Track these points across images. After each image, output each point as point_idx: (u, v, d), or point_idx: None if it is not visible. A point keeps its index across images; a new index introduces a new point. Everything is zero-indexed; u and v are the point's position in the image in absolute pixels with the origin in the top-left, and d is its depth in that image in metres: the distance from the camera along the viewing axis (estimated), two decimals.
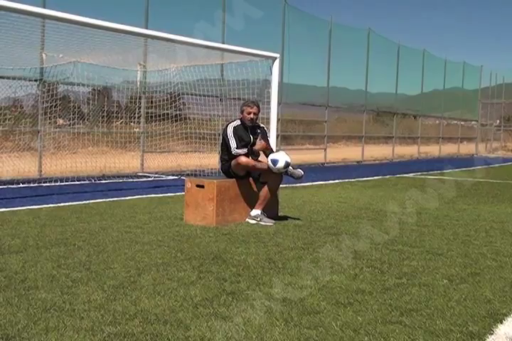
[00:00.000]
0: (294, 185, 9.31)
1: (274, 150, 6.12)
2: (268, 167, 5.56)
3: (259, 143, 5.64)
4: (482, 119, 30.01)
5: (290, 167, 5.68)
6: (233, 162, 5.62)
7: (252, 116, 5.70)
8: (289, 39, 15.32)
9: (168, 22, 13.38)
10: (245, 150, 5.63)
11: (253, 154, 5.64)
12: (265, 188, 5.71)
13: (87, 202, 7.08)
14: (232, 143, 5.61)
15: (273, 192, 5.80)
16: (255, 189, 5.85)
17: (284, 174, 5.75)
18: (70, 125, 10.95)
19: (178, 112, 12.23)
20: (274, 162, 5.54)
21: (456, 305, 3.08)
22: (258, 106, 5.78)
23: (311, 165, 16.40)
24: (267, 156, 5.74)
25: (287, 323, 2.72)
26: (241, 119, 5.81)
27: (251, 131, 5.81)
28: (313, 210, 6.69)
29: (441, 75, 24.90)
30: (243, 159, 5.53)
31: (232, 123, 5.78)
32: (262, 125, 6.02)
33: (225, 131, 5.74)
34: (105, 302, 2.96)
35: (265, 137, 5.92)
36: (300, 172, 5.82)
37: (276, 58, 8.44)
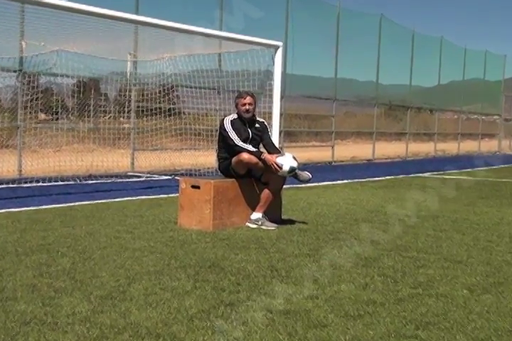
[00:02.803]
0: (299, 185, 9.28)
1: (278, 146, 6.13)
2: (275, 167, 5.53)
3: (268, 158, 5.54)
4: (505, 114, 29.97)
5: (296, 170, 5.66)
6: (234, 159, 5.62)
7: (247, 107, 5.70)
8: (293, 26, 15.34)
9: (161, 8, 13.38)
10: (252, 148, 5.59)
11: (260, 159, 5.58)
12: (267, 189, 5.71)
13: (72, 204, 7.07)
14: (233, 136, 5.61)
15: (276, 193, 5.80)
16: (256, 190, 5.84)
17: (289, 176, 5.76)
18: (52, 120, 10.95)
19: (171, 106, 12.24)
20: (279, 166, 5.53)
21: (477, 317, 3.07)
22: (252, 96, 5.78)
23: (318, 164, 16.39)
24: (269, 153, 5.73)
25: (291, 337, 2.71)
26: (237, 113, 5.82)
27: (249, 126, 5.80)
28: (320, 213, 6.69)
29: (460, 65, 24.89)
30: (245, 155, 5.52)
31: (228, 117, 5.79)
32: (261, 119, 6.01)
33: (221, 125, 5.74)
34: (91, 315, 2.95)
35: (266, 133, 5.91)
36: (307, 175, 5.82)
37: (278, 47, 8.44)
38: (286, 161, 5.57)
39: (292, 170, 5.59)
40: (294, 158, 5.67)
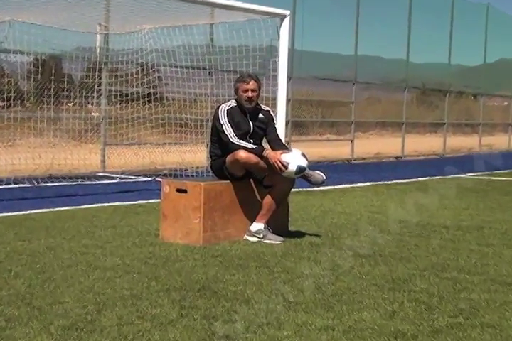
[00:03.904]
0: (310, 189, 9.30)
1: (284, 140, 6.13)
2: (279, 166, 5.51)
3: (271, 155, 5.54)
4: None
5: (307, 170, 5.65)
6: (229, 158, 5.61)
7: (249, 94, 5.69)
8: None
9: None
10: (251, 145, 5.59)
11: (261, 157, 5.58)
12: (271, 194, 5.70)
13: (28, 212, 7.06)
14: (228, 131, 5.61)
15: (281, 199, 5.80)
16: (257, 194, 5.84)
17: (298, 178, 5.76)
18: (3, 108, 10.94)
19: (152, 90, 12.22)
20: (284, 165, 5.51)
21: None
22: (257, 81, 5.76)
23: (333, 163, 16.38)
24: (273, 150, 5.73)
25: None
26: (237, 100, 5.82)
27: (251, 116, 5.81)
28: (336, 224, 6.68)
29: (511, 39, 24.87)
30: (242, 154, 5.52)
31: (224, 105, 5.78)
32: (266, 108, 6.02)
33: (216, 115, 5.74)
34: None
35: (271, 126, 5.91)
36: (320, 176, 5.81)
37: (285, 16, 8.44)
38: (293, 159, 5.56)
39: (301, 170, 5.58)
40: (303, 155, 5.66)
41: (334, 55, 18.76)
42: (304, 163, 5.60)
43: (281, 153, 5.57)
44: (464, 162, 17.60)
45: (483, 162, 15.93)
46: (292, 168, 5.54)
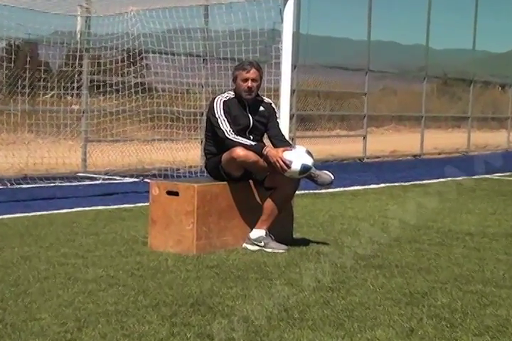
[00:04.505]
0: (317, 191, 9.28)
1: (287, 136, 6.12)
2: (280, 165, 5.50)
3: (272, 153, 5.52)
4: None
5: (313, 169, 5.65)
6: (225, 156, 5.62)
7: (249, 84, 5.69)
8: None
9: None
10: (249, 141, 5.58)
11: (261, 155, 5.58)
12: (273, 197, 5.70)
13: (0, 217, 7.06)
14: (224, 126, 5.60)
15: (284, 202, 5.80)
16: (258, 197, 5.85)
17: (303, 179, 5.76)
18: None
19: (139, 80, 12.21)
20: (286, 164, 5.50)
21: None
22: (258, 69, 5.76)
23: (344, 161, 16.37)
24: (275, 147, 5.73)
25: None
26: (235, 91, 5.82)
27: (250, 109, 5.81)
28: (347, 230, 6.68)
29: None
30: (239, 151, 5.51)
31: (220, 97, 5.78)
32: (267, 100, 6.02)
33: (210, 107, 5.75)
34: None
35: (273, 120, 5.92)
36: (328, 176, 5.80)
37: None
38: (297, 157, 5.54)
39: (305, 169, 5.57)
40: (309, 152, 5.66)
41: (344, 40, 18.82)
42: (309, 161, 5.59)
43: (284, 151, 5.56)
44: (491, 160, 17.57)
45: None
46: (296, 167, 5.53)
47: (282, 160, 5.48)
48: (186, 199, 5.51)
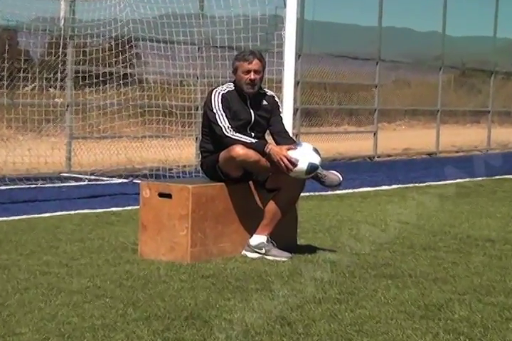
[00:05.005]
0: (324, 193, 9.30)
1: (291, 133, 6.13)
2: (285, 164, 5.51)
3: (275, 150, 5.52)
4: None
5: (319, 169, 5.65)
6: (223, 154, 5.62)
7: (252, 76, 5.69)
8: None
9: None
10: (250, 138, 5.59)
11: (263, 153, 5.59)
12: (275, 199, 5.71)
13: None
14: (222, 122, 5.61)
15: (288, 205, 5.80)
16: (259, 200, 5.85)
17: (309, 179, 5.77)
18: None
19: (128, 70, 12.22)
20: (292, 162, 5.50)
21: None
22: (261, 59, 5.77)
23: (352, 160, 16.36)
24: (278, 145, 5.73)
25: None
26: (235, 83, 5.82)
27: (252, 103, 5.81)
28: (356, 236, 6.68)
29: None
30: (239, 150, 5.51)
31: (218, 89, 5.78)
32: (270, 92, 6.02)
33: (208, 101, 5.74)
34: None
35: (276, 115, 5.92)
36: (336, 177, 5.80)
37: None
38: (304, 155, 5.55)
39: (312, 168, 5.57)
40: (316, 150, 5.67)
41: (353, 26, 18.83)
42: (316, 160, 5.59)
43: (289, 149, 5.57)
44: None
45: None
46: (302, 166, 5.52)
47: (287, 159, 5.48)
48: (180, 201, 5.51)
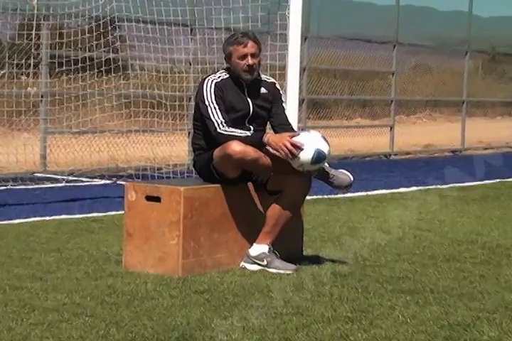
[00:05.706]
0: (333, 196, 9.30)
1: (295, 126, 6.14)
2: (289, 149, 5.47)
3: (273, 139, 5.52)
4: None
5: (327, 164, 5.64)
6: (217, 151, 5.63)
7: (250, 61, 5.70)
8: None
9: None
10: (245, 132, 5.61)
11: (261, 145, 5.58)
12: (278, 203, 5.71)
13: None
14: (215, 116, 5.61)
15: (293, 210, 5.79)
16: (259, 204, 5.86)
17: (314, 176, 5.76)
18: None
19: (111, 55, 12.21)
20: (296, 147, 5.46)
21: None
22: (256, 40, 5.78)
23: (366, 158, 16.38)
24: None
25: None
26: (230, 70, 5.83)
27: (250, 92, 5.82)
28: (369, 245, 6.68)
29: None
30: (236, 146, 5.51)
31: (212, 77, 5.79)
32: (270, 79, 6.04)
33: (200, 91, 5.76)
34: None
35: (278, 105, 5.93)
36: (347, 177, 5.80)
37: None
38: (310, 142, 5.51)
39: (320, 157, 5.51)
40: (324, 138, 5.65)
41: (367, 5, 18.95)
42: (324, 147, 5.54)
43: (292, 136, 5.53)
44: None
45: None
46: (308, 151, 5.45)
47: (291, 144, 5.40)
48: (170, 206, 5.52)
